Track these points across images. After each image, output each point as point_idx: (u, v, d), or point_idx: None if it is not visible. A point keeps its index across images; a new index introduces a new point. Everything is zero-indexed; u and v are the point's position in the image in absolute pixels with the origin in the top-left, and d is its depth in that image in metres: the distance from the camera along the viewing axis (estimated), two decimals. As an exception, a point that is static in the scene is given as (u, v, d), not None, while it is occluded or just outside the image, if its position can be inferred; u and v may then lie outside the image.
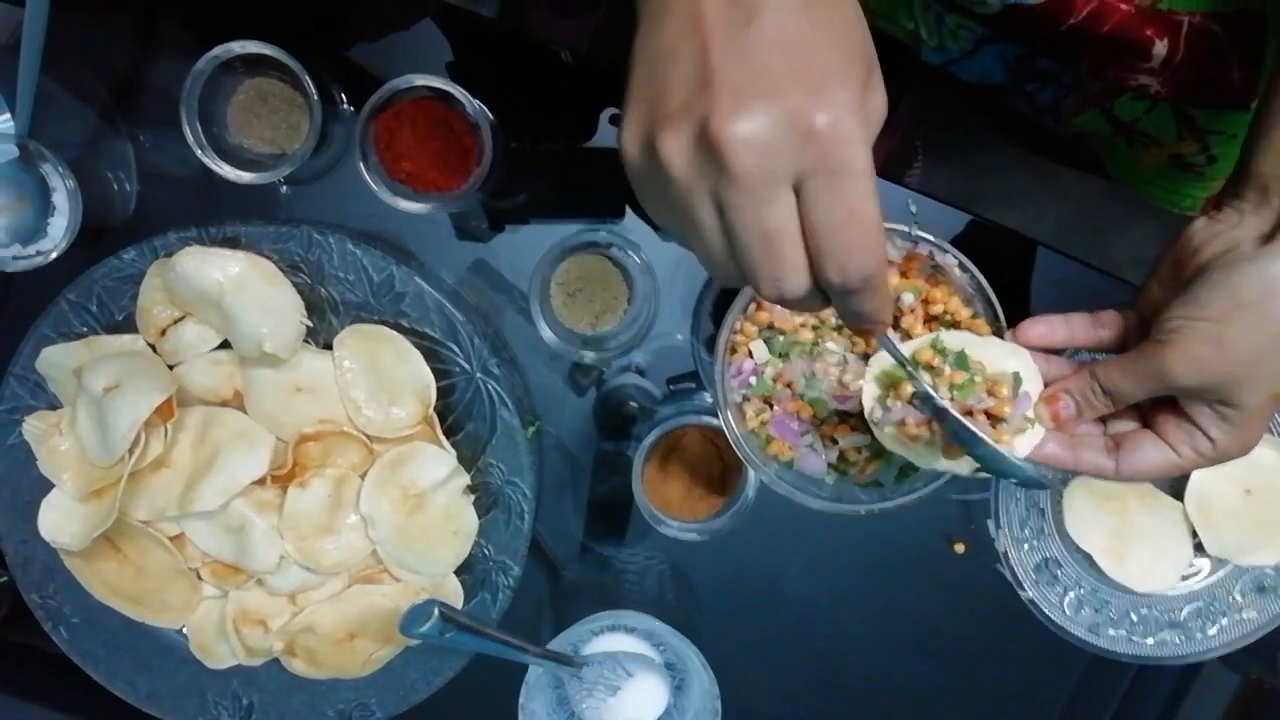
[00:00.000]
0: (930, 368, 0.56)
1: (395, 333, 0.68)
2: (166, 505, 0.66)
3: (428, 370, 0.68)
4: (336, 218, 0.72)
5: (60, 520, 0.67)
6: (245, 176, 0.66)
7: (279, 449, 0.67)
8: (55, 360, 0.66)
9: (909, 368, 0.53)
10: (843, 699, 0.79)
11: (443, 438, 0.68)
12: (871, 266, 0.37)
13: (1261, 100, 0.48)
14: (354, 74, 0.71)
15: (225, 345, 0.68)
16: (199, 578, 0.70)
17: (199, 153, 0.65)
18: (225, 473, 0.65)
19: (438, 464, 0.68)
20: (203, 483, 0.65)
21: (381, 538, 0.68)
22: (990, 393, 0.56)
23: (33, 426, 0.67)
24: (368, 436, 0.68)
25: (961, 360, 0.56)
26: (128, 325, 0.68)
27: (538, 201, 0.74)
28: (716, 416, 0.65)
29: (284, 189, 0.72)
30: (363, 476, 0.68)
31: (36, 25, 0.60)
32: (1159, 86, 0.65)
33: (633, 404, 0.76)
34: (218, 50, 0.63)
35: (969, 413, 0.55)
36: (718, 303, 0.72)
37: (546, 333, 0.66)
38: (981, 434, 0.52)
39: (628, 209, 0.73)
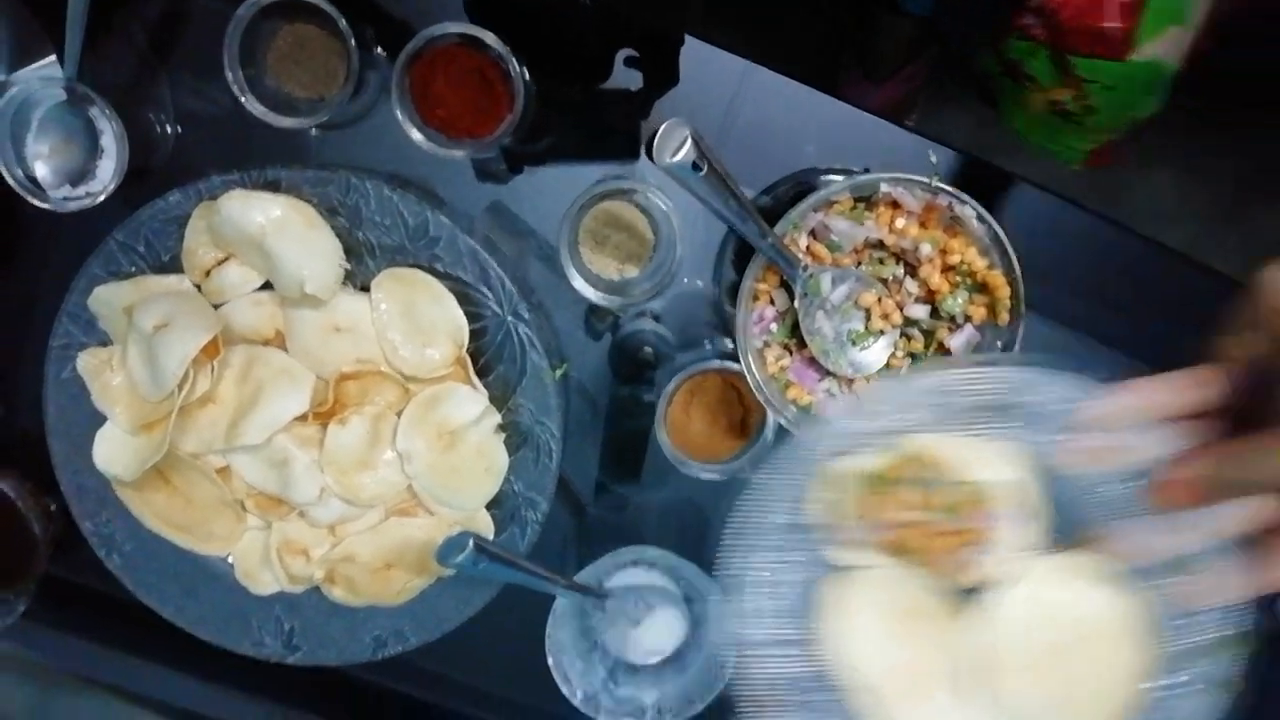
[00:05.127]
0: (898, 482, 0.49)
1: (430, 276, 0.70)
2: (213, 439, 0.69)
3: (461, 313, 0.70)
4: (368, 162, 0.73)
5: (113, 452, 0.70)
6: (285, 121, 0.68)
7: (319, 387, 0.70)
8: (106, 299, 0.69)
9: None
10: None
11: (475, 379, 0.71)
12: None
13: None
14: (386, 20, 0.72)
15: (267, 286, 0.71)
16: (244, 509, 0.73)
17: (241, 98, 0.67)
18: (269, 409, 0.68)
19: (470, 404, 0.71)
20: (247, 418, 0.68)
21: (417, 473, 0.71)
22: (960, 507, 0.49)
23: (86, 362, 0.70)
24: (404, 376, 0.71)
25: (930, 478, 0.49)
26: (174, 265, 0.71)
27: (559, 146, 0.75)
28: (738, 361, 0.67)
29: (315, 133, 0.74)
30: (399, 415, 0.71)
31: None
32: (1039, 29, 0.65)
33: (648, 349, 0.78)
34: (263, -3, 0.65)
35: (947, 534, 0.49)
36: (738, 251, 0.74)
37: (578, 281, 0.68)
38: None
39: (642, 153, 0.74)
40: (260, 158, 0.71)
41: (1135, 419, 0.44)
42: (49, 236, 0.75)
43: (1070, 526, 0.49)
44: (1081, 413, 0.45)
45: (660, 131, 0.56)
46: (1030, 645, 0.50)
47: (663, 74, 0.73)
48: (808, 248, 0.66)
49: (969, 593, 0.50)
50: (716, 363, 0.70)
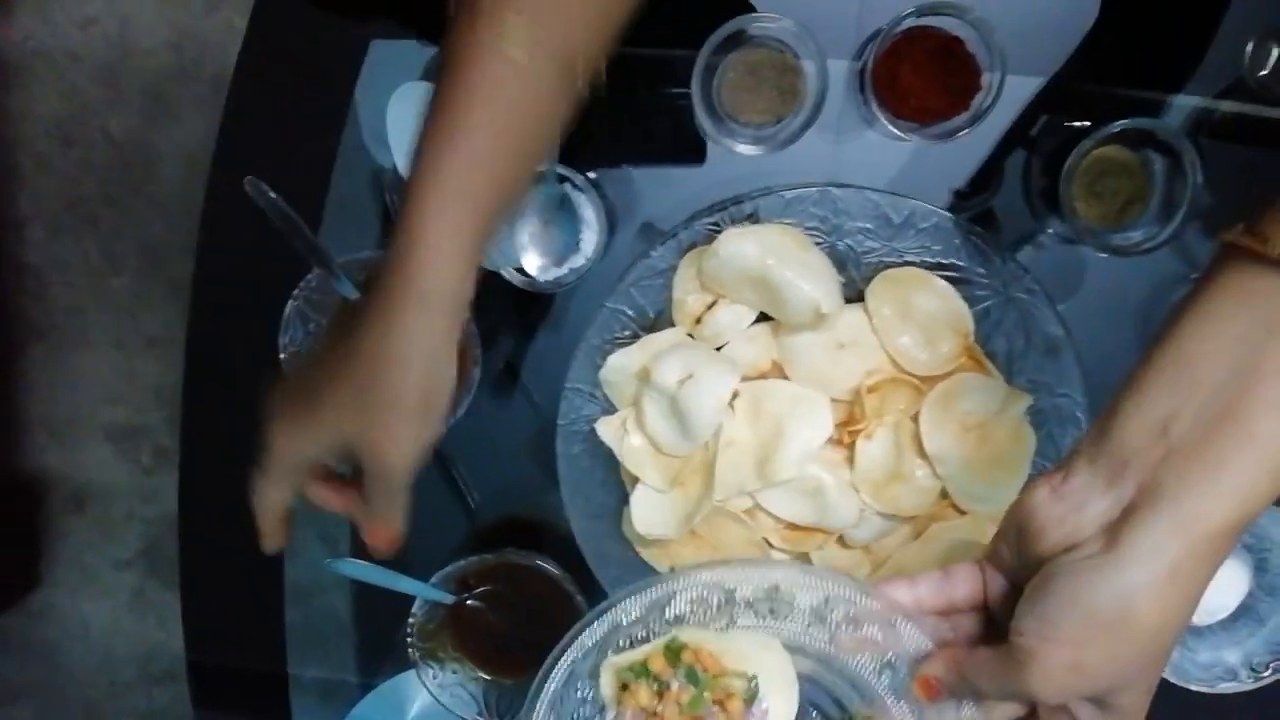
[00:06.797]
0: (658, 679, 0.51)
1: (925, 271, 0.67)
2: (742, 481, 0.68)
3: (962, 301, 0.67)
4: (816, 173, 0.71)
5: (652, 513, 0.70)
6: (753, 150, 0.66)
7: (836, 408, 0.69)
8: (618, 366, 0.69)
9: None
10: None
11: (989, 364, 0.68)
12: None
13: (1148, 350, 0.43)
14: (818, 23, 0.70)
15: (758, 320, 0.70)
16: (769, 544, 0.72)
17: (714, 137, 0.66)
18: (796, 440, 0.67)
19: (989, 392, 0.68)
20: (778, 454, 0.67)
21: (950, 474, 0.68)
22: (720, 704, 0.51)
23: (605, 430, 0.70)
24: (917, 378, 0.68)
25: (691, 674, 0.51)
26: (660, 321, 0.71)
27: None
28: None
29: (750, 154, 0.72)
30: (913, 419, 0.69)
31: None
32: None
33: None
34: (721, 32, 0.64)
35: None
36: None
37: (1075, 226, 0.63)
38: None
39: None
40: (726, 191, 0.70)
41: (902, 613, 0.50)
42: (524, 316, 0.76)
43: (867, 704, 0.54)
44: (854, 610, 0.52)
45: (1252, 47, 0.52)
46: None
47: None
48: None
49: None
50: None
